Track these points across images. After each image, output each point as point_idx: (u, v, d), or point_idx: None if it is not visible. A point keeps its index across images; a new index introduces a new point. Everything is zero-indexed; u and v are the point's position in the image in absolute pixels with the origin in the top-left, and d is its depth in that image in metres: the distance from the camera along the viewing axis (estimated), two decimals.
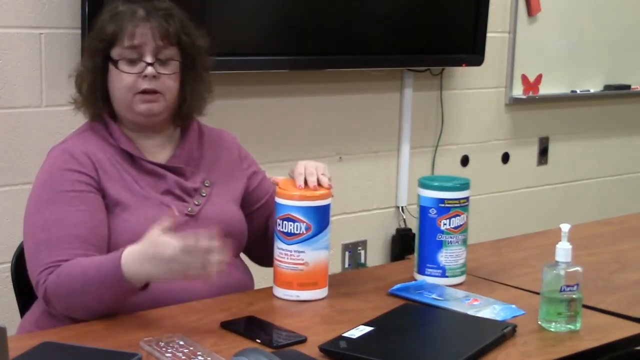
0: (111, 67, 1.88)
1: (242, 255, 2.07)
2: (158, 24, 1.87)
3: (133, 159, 1.91)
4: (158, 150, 1.95)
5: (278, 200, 1.85)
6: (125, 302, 1.74)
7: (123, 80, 1.87)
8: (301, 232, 1.82)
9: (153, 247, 1.66)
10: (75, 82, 1.95)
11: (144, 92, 1.87)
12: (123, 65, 1.87)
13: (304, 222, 1.82)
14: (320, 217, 1.84)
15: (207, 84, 2.00)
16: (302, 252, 1.83)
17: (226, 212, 1.95)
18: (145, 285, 1.72)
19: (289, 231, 1.83)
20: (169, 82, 1.89)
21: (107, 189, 1.85)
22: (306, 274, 1.84)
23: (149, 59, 1.86)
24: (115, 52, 1.87)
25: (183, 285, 1.82)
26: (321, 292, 1.87)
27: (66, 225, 1.78)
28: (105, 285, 1.70)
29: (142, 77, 1.86)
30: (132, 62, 1.87)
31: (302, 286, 1.84)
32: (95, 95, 1.91)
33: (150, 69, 1.86)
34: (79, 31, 2.69)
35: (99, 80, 1.90)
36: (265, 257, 2.04)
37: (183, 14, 1.94)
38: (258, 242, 2.06)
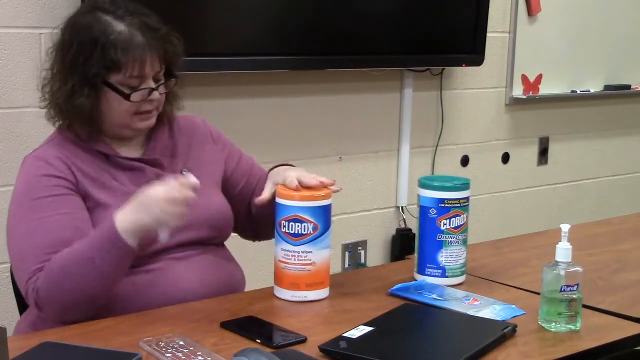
0: (108, 91, 1.82)
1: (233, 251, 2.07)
2: (158, 49, 1.84)
3: (108, 158, 1.89)
4: (131, 145, 1.94)
5: (281, 201, 1.85)
6: (123, 272, 1.75)
7: (126, 105, 1.83)
8: (308, 232, 1.82)
9: (141, 195, 1.73)
10: (53, 95, 1.87)
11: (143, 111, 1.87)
12: (135, 96, 1.82)
13: (311, 222, 1.82)
14: (325, 216, 1.84)
15: (181, 83, 1.96)
16: (309, 252, 1.83)
17: (211, 199, 1.95)
18: (139, 247, 1.74)
19: (297, 232, 1.83)
20: (161, 98, 1.90)
21: (87, 189, 1.83)
22: (313, 274, 1.84)
23: (152, 84, 1.85)
24: (115, 79, 1.82)
25: (180, 284, 1.83)
26: (325, 292, 1.88)
27: (49, 231, 1.77)
28: (103, 251, 1.70)
29: (145, 101, 1.85)
30: (133, 88, 1.83)
31: (310, 286, 1.84)
32: (92, 119, 1.85)
33: (156, 94, 1.86)
34: None
35: (90, 100, 1.83)
36: (259, 232, 2.09)
37: (164, 23, 1.88)
38: (247, 221, 2.07)
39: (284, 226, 1.84)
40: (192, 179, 1.74)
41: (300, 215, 1.82)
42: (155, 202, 1.70)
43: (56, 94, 1.86)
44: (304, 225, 1.82)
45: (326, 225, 1.84)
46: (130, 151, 1.93)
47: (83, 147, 1.88)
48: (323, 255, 1.85)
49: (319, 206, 1.83)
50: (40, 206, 1.79)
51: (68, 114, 1.87)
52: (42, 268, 1.73)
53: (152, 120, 1.91)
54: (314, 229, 1.82)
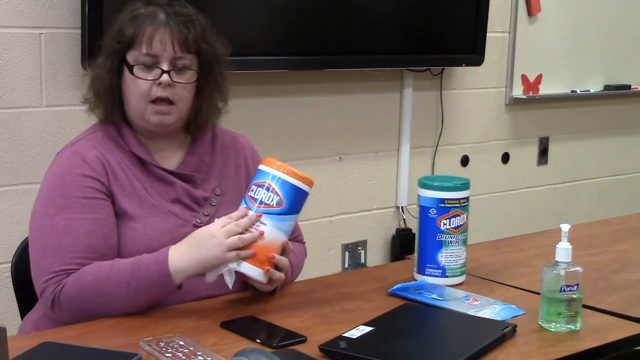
0: (126, 70, 1.83)
1: None
2: (178, 30, 1.82)
3: (143, 164, 1.87)
4: (169, 155, 1.91)
5: (262, 168, 1.77)
6: (155, 303, 1.75)
7: (137, 86, 1.82)
8: (271, 204, 1.74)
9: (195, 234, 1.74)
10: (90, 81, 1.89)
11: (157, 100, 1.82)
12: (138, 71, 1.81)
13: (278, 195, 1.74)
14: (295, 200, 1.76)
15: (223, 93, 1.94)
16: (263, 224, 1.73)
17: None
18: (179, 286, 1.74)
19: (260, 199, 1.75)
20: (183, 91, 1.84)
21: (116, 196, 1.82)
22: (257, 248, 1.73)
23: (165, 66, 1.81)
24: (131, 56, 1.82)
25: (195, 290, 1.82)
26: (261, 274, 1.75)
27: (76, 234, 1.75)
28: (148, 283, 1.71)
29: (156, 84, 1.81)
30: (148, 67, 1.82)
31: (247, 258, 1.73)
32: (112, 97, 1.85)
33: (165, 77, 1.81)
34: (79, 31, 2.69)
35: (115, 82, 1.85)
36: None
37: (206, 21, 1.89)
38: None
39: (252, 190, 1.76)
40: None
41: (271, 184, 1.74)
42: (208, 233, 1.72)
43: (94, 79, 1.89)
44: (270, 195, 1.74)
45: (292, 209, 1.75)
46: (168, 162, 1.90)
47: (121, 145, 1.87)
48: (275, 237, 1.74)
49: (294, 185, 1.75)
50: (71, 206, 1.78)
51: (93, 91, 1.87)
52: (64, 273, 1.73)
53: (167, 118, 1.85)
54: (278, 203, 1.74)
